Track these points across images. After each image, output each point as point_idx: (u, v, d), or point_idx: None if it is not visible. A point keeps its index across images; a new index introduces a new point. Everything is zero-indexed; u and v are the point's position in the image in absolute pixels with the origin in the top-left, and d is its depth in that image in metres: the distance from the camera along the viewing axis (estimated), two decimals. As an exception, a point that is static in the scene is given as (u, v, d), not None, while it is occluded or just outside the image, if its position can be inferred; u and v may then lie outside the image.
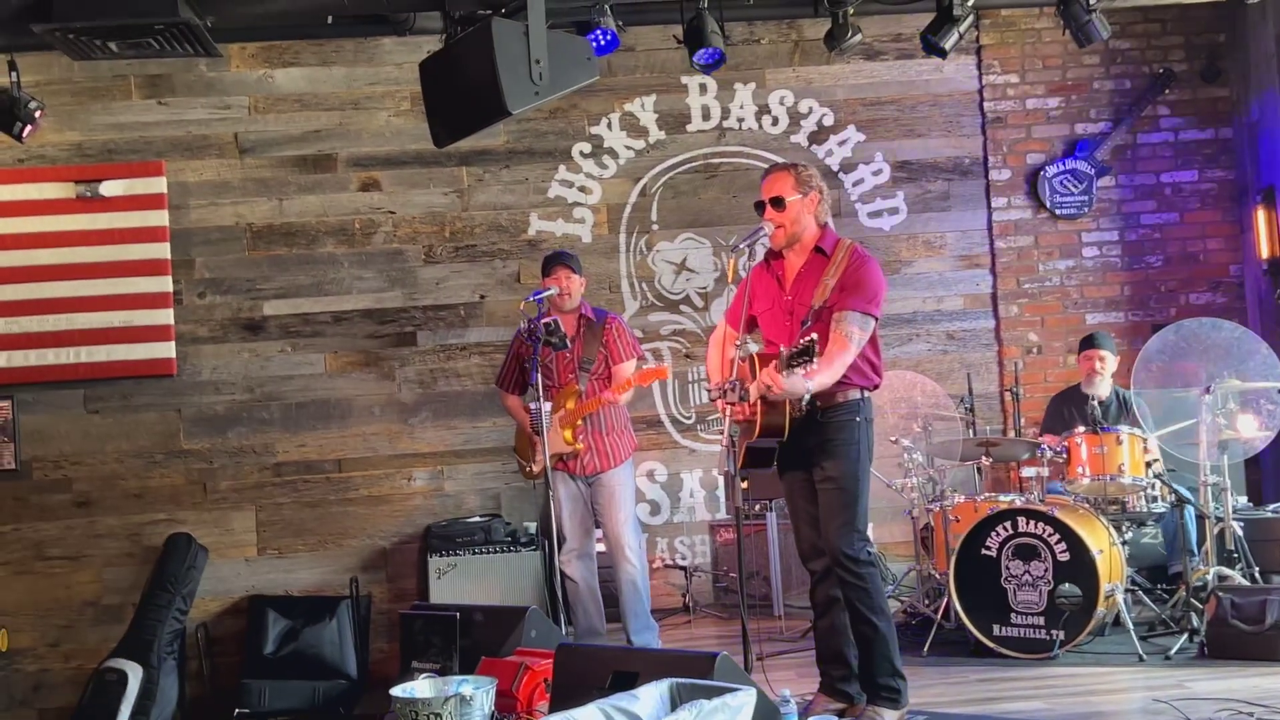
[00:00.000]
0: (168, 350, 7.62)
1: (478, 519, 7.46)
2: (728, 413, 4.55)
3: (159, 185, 7.65)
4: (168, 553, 7.37)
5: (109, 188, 7.59)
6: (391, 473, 7.82)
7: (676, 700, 3.43)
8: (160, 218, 7.63)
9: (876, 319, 4.77)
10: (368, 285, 7.86)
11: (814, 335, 4.34)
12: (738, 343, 4.83)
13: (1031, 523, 5.90)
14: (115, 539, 7.60)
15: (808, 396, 4.54)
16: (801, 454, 4.81)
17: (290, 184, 7.86)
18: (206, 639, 7.49)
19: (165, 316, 7.62)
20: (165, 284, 7.62)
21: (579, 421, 6.18)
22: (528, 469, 6.38)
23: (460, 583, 7.04)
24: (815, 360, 4.32)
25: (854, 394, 4.79)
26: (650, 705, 3.40)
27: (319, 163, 7.87)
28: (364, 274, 7.86)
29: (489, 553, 7.13)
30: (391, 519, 7.78)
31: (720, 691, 3.32)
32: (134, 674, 6.89)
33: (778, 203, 4.84)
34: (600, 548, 6.46)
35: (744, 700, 3.29)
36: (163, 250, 7.63)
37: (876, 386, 4.90)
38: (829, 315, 4.71)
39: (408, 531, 7.75)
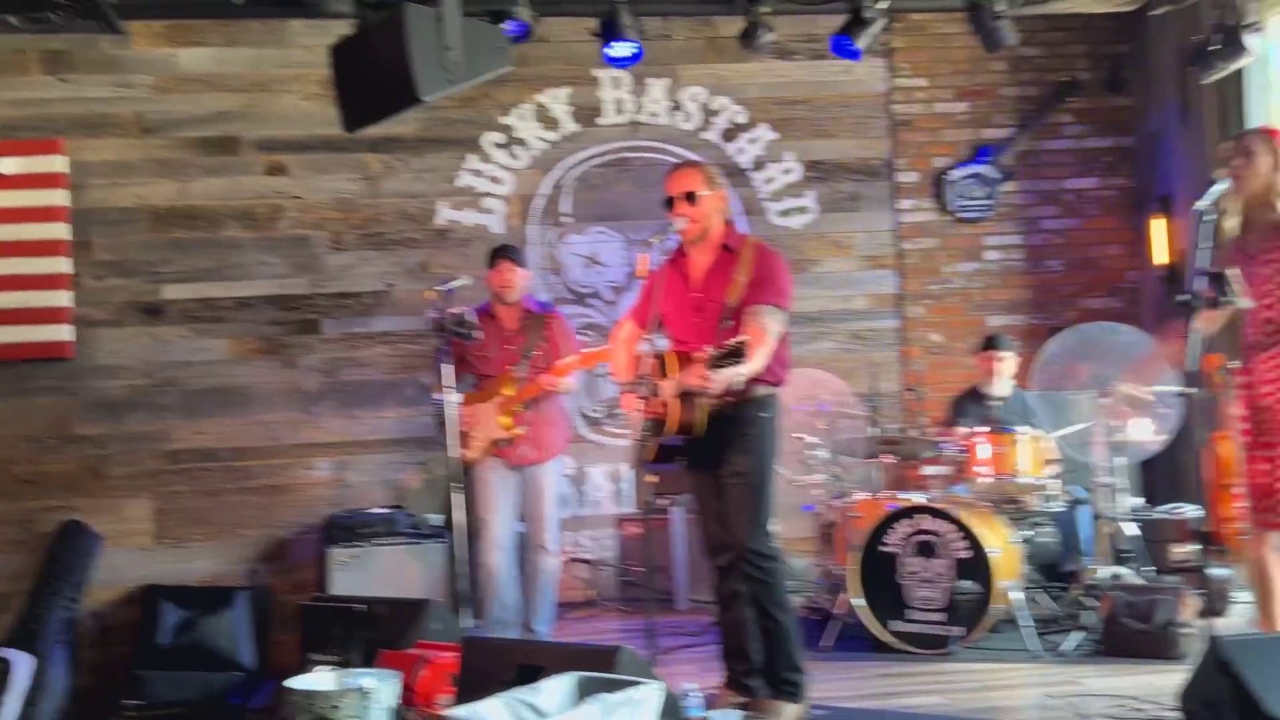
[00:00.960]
0: (64, 333, 7.42)
1: (381, 510, 7.37)
2: (638, 408, 4.54)
3: (58, 164, 7.43)
4: (60, 540, 7.19)
5: (6, 165, 7.34)
6: (292, 462, 7.70)
7: (582, 694, 3.43)
8: (59, 197, 7.43)
9: (785, 310, 4.83)
10: (272, 271, 7.73)
11: (745, 338, 4.36)
12: (646, 338, 4.83)
13: (931, 520, 5.98)
14: (5, 525, 7.38)
15: (741, 382, 4.56)
16: (709, 450, 4.83)
17: (194, 166, 7.70)
18: (99, 629, 7.31)
19: (62, 298, 7.41)
20: (63, 265, 7.41)
21: (517, 408, 6.15)
22: (462, 454, 6.31)
23: (362, 575, 6.94)
24: (744, 362, 4.35)
25: (762, 390, 4.83)
26: (555, 699, 3.40)
27: (224, 145, 7.73)
28: (268, 259, 7.73)
29: (392, 544, 7.05)
30: (292, 509, 7.66)
31: (626, 685, 3.32)
32: (21, 663, 6.68)
33: (691, 197, 4.85)
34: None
35: (649, 694, 3.30)
36: (61, 230, 7.42)
37: (784, 383, 4.95)
38: (741, 308, 4.75)
39: (308, 522, 7.63)
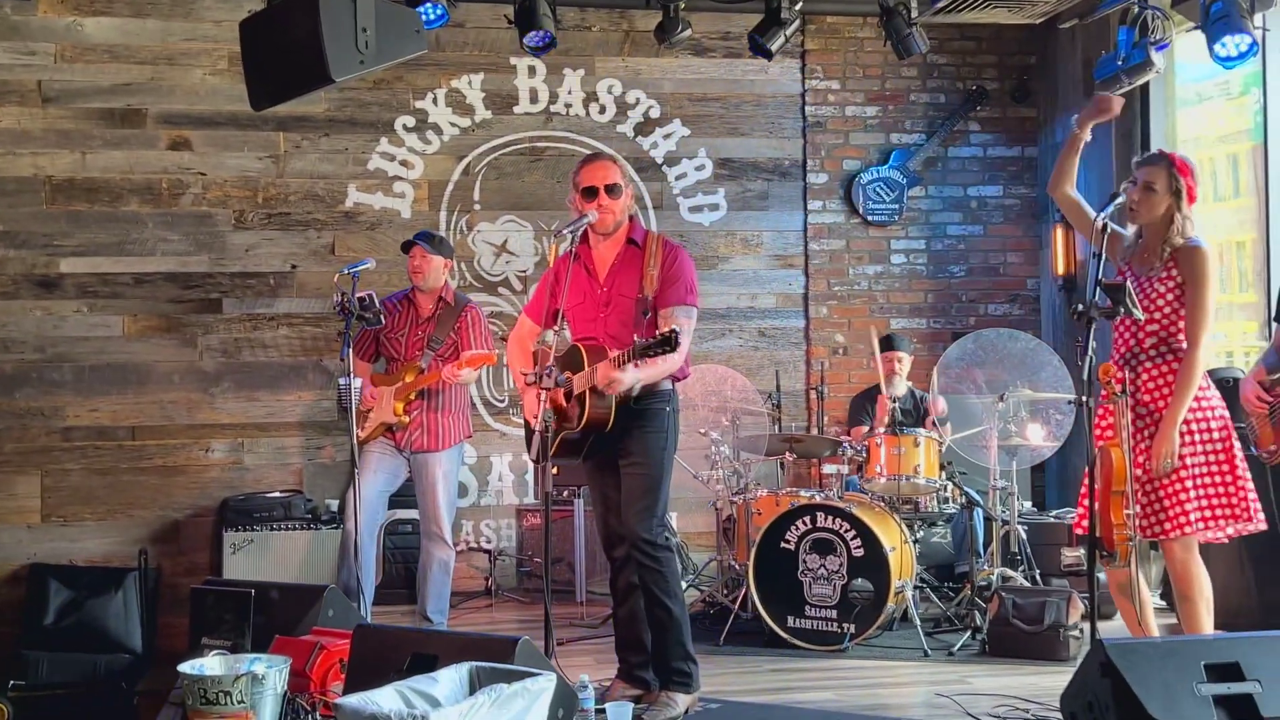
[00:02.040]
0: (-47, 303, 7.24)
1: (277, 494, 7.29)
2: (543, 399, 4.52)
3: (-48, 129, 7.26)
4: (-58, 516, 7.01)
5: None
6: (188, 443, 7.58)
7: (475, 684, 3.42)
8: (-48, 163, 7.25)
9: (696, 308, 4.86)
10: (173, 248, 7.59)
11: (676, 328, 4.35)
12: (555, 329, 4.79)
13: (829, 518, 6.04)
14: (-115, 500, 7.20)
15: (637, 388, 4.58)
16: (608, 443, 4.82)
17: (95, 137, 7.53)
18: (-19, 608, 7.15)
19: (-48, 268, 7.24)
20: (-46, 234, 7.24)
21: (412, 396, 6.10)
22: (357, 434, 6.26)
23: (256, 559, 6.88)
24: (675, 352, 4.35)
25: (665, 384, 4.85)
26: (448, 688, 3.38)
27: (127, 117, 7.57)
28: (169, 236, 7.59)
29: (288, 529, 6.98)
30: (186, 491, 7.54)
31: (520, 676, 3.31)
32: (-101, 643, 6.53)
33: (614, 189, 4.81)
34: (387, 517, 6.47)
35: (543, 685, 3.29)
36: (-47, 198, 7.24)
37: (685, 377, 5.00)
38: (657, 305, 4.76)
39: (203, 504, 7.53)
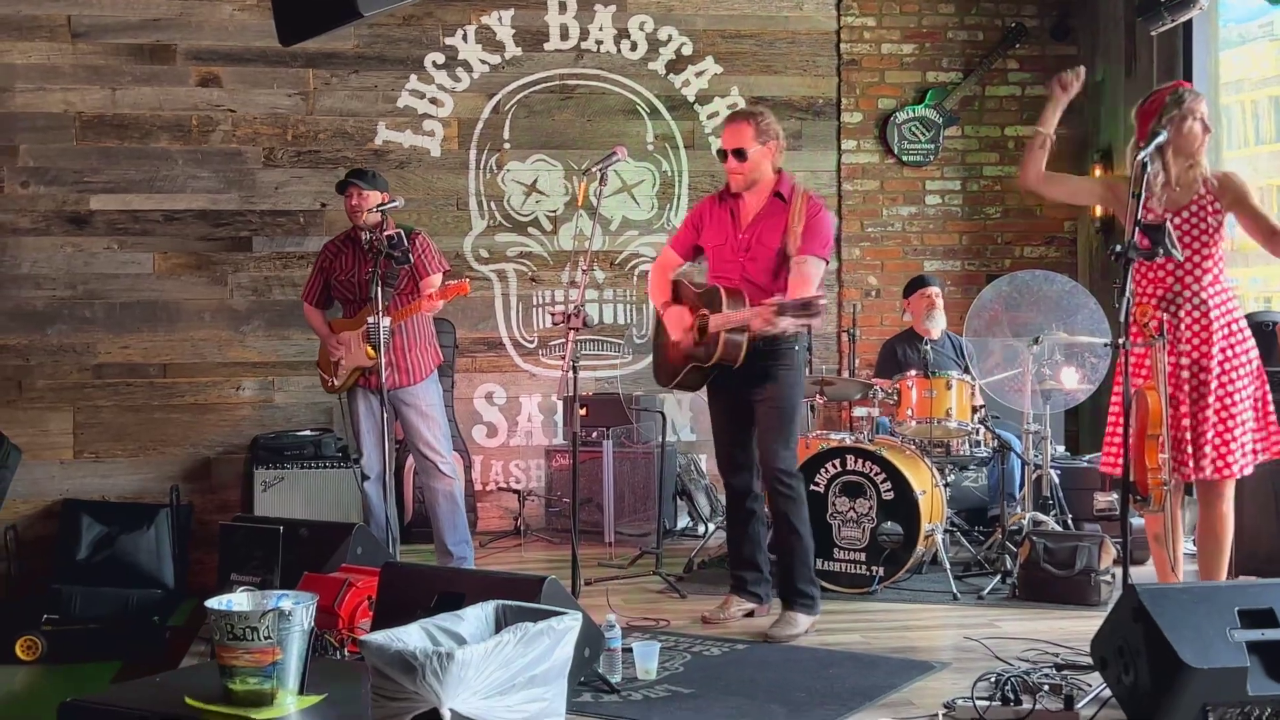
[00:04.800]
0: (-15, 240, 7.25)
1: (308, 433, 7.30)
2: (569, 340, 4.66)
3: (-18, 65, 7.23)
4: (-23, 452, 7.05)
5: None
6: (219, 381, 7.59)
7: (502, 622, 3.42)
8: (-18, 100, 7.23)
9: (827, 262, 5.15)
10: (203, 185, 7.57)
11: (824, 300, 4.67)
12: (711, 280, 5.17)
13: (859, 461, 6.01)
14: (-80, 435, 7.24)
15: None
16: (734, 377, 5.12)
17: (125, 73, 7.49)
18: (16, 542, 7.20)
19: (-17, 204, 7.24)
20: (-15, 170, 7.23)
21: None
22: (329, 383, 6.21)
23: (286, 497, 6.89)
24: (813, 317, 4.68)
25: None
26: (475, 626, 3.38)
27: (156, 53, 7.52)
28: (199, 173, 7.57)
29: (318, 468, 6.99)
30: (217, 428, 7.57)
31: (546, 615, 3.31)
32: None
33: (740, 154, 5.11)
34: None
35: (569, 624, 3.28)
36: (-17, 134, 7.23)
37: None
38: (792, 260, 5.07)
39: (234, 442, 7.56)
